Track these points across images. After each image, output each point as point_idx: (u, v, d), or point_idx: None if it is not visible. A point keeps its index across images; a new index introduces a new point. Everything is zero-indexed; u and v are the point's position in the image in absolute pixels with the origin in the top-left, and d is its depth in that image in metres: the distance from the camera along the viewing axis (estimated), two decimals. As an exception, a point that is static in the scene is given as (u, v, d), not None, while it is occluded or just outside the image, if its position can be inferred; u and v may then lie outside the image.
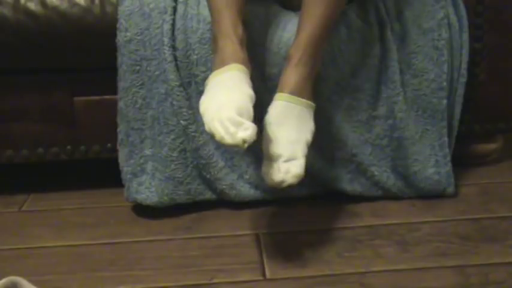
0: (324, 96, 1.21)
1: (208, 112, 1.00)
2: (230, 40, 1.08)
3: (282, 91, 1.08)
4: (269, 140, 1.03)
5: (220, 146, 1.24)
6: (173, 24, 1.22)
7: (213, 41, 1.13)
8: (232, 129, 0.95)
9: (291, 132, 1.04)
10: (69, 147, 1.32)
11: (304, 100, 1.07)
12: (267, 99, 1.09)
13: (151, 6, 1.22)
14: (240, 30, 1.10)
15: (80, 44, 1.25)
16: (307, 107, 1.08)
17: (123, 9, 1.23)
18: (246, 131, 0.96)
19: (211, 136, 0.98)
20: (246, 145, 0.96)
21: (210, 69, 1.20)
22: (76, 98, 1.30)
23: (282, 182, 1.01)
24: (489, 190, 1.30)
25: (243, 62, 1.07)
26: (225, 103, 0.99)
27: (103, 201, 1.32)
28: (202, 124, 1.21)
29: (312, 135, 1.07)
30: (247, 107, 1.00)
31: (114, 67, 1.24)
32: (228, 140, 0.95)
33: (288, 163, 1.01)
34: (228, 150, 1.24)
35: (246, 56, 1.09)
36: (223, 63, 1.06)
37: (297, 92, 1.07)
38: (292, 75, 1.08)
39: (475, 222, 1.17)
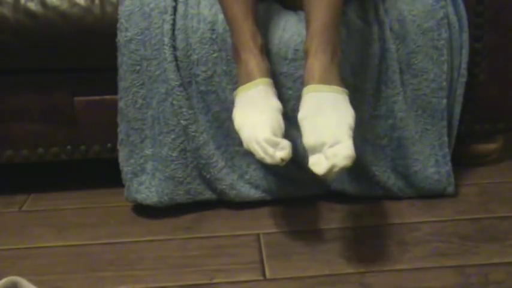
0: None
1: (244, 130, 1.05)
2: (252, 53, 1.11)
3: (308, 83, 1.05)
4: (309, 133, 1.01)
5: (220, 146, 1.24)
6: (173, 24, 1.22)
7: (235, 52, 1.14)
8: (270, 150, 1.01)
9: (329, 118, 1.01)
10: (69, 147, 1.32)
11: (334, 86, 1.05)
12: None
13: (151, 6, 1.22)
14: (259, 39, 1.13)
15: (80, 44, 1.25)
16: (340, 93, 1.05)
17: (124, 9, 1.23)
18: (283, 151, 1.01)
19: (252, 155, 1.04)
20: (284, 163, 1.01)
21: (210, 69, 1.21)
22: (76, 98, 1.30)
23: (333, 167, 0.95)
24: (489, 190, 1.30)
25: (267, 74, 1.11)
26: (259, 123, 1.05)
27: (103, 201, 1.32)
28: (203, 124, 1.23)
29: (353, 120, 1.03)
30: (279, 123, 1.06)
31: (114, 67, 1.24)
32: (268, 160, 1.01)
33: (334, 147, 0.97)
34: (228, 150, 1.25)
35: (268, 64, 1.14)
36: (249, 78, 1.10)
37: (325, 80, 1.05)
38: (314, 65, 1.06)
39: (475, 222, 1.17)
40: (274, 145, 1.01)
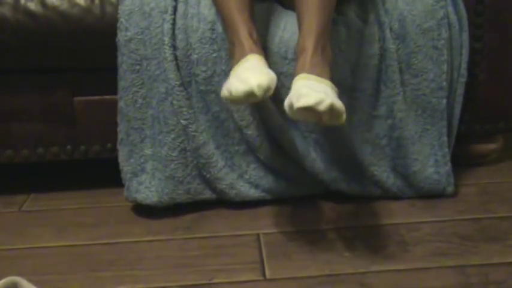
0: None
1: (226, 82, 1.01)
2: (247, 41, 1.09)
3: (299, 73, 1.02)
4: (296, 90, 0.96)
5: (220, 145, 1.24)
6: (173, 24, 1.22)
7: (230, 48, 1.14)
8: (246, 76, 0.95)
9: (314, 89, 0.97)
10: (69, 147, 1.32)
11: (325, 80, 1.02)
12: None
13: (151, 5, 1.22)
14: (255, 35, 1.12)
15: (80, 44, 1.25)
16: (331, 87, 1.01)
17: (124, 9, 1.23)
18: (261, 77, 0.95)
19: (228, 96, 0.98)
20: (261, 91, 0.94)
21: (210, 69, 1.21)
22: (76, 98, 1.30)
23: (322, 100, 0.92)
24: (489, 190, 1.30)
25: (260, 54, 1.08)
26: (244, 73, 1.01)
27: (103, 201, 1.32)
28: (203, 123, 1.23)
29: (344, 111, 0.98)
30: (266, 72, 1.01)
31: (114, 67, 1.24)
32: (242, 86, 0.95)
33: (323, 92, 0.94)
34: (228, 150, 1.24)
35: (263, 52, 1.11)
36: (241, 58, 1.07)
37: (316, 72, 1.02)
38: (306, 60, 1.03)
39: (475, 222, 1.17)
40: (253, 74, 0.97)
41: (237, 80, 0.99)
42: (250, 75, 0.98)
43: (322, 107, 0.92)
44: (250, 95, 0.97)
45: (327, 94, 0.95)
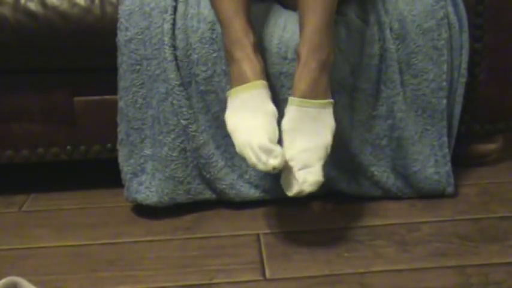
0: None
1: (237, 135, 1.07)
2: (245, 52, 1.10)
3: (294, 95, 1.08)
4: (287, 148, 1.06)
5: (220, 145, 1.24)
6: (173, 24, 1.21)
7: (227, 51, 1.13)
8: (263, 157, 1.02)
9: (306, 138, 1.06)
10: (69, 147, 1.32)
11: (317, 101, 1.07)
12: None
13: (151, 5, 1.22)
14: (251, 36, 1.12)
15: (80, 44, 1.25)
16: (323, 107, 1.08)
17: (124, 9, 1.23)
18: (276, 159, 1.02)
19: (241, 156, 1.06)
20: (276, 171, 1.03)
21: (210, 69, 1.21)
22: (76, 98, 1.30)
23: (301, 192, 1.03)
24: (489, 190, 1.30)
25: (261, 76, 1.11)
26: (253, 128, 1.06)
27: (103, 201, 1.32)
28: (203, 124, 1.23)
29: (332, 133, 1.08)
30: (273, 129, 1.07)
31: (114, 67, 1.24)
32: (260, 167, 1.02)
33: (304, 171, 1.04)
34: (228, 150, 1.25)
35: (262, 64, 1.13)
36: (242, 80, 1.10)
37: (309, 94, 1.07)
38: (302, 76, 1.07)
39: (475, 222, 1.17)
40: (268, 152, 1.02)
41: (253, 154, 1.03)
42: (267, 155, 1.02)
43: (302, 195, 1.04)
44: (266, 172, 1.06)
45: (309, 167, 1.05)
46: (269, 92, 1.12)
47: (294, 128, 1.07)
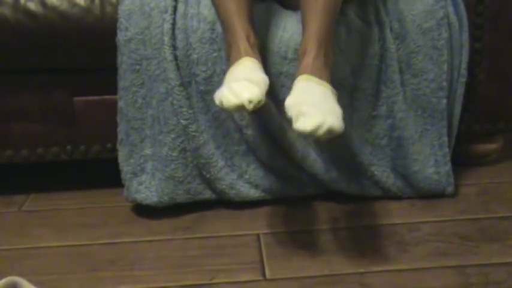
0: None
1: (219, 89, 1.01)
2: (243, 44, 1.09)
3: (301, 74, 1.03)
4: (296, 105, 0.96)
5: (220, 145, 1.24)
6: (173, 24, 1.22)
7: (227, 50, 1.13)
8: (238, 89, 0.95)
9: (318, 100, 0.97)
10: (69, 147, 1.32)
11: (325, 83, 1.03)
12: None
13: (151, 5, 1.22)
14: (252, 37, 1.11)
15: (80, 44, 1.25)
16: (331, 91, 1.03)
17: (124, 9, 1.23)
18: (253, 90, 0.96)
19: (220, 105, 0.98)
20: (251, 106, 0.95)
21: (210, 69, 1.21)
22: (76, 98, 1.30)
23: (321, 125, 0.92)
24: (489, 190, 1.30)
25: (255, 57, 1.08)
26: (236, 77, 1.01)
27: (103, 201, 1.32)
28: (203, 124, 1.23)
29: (341, 114, 0.98)
30: (259, 81, 1.00)
31: (114, 67, 1.24)
32: (234, 100, 0.95)
33: (323, 114, 0.93)
34: (228, 150, 1.25)
35: (259, 55, 1.10)
36: (236, 60, 1.07)
37: (317, 74, 1.03)
38: (308, 62, 1.04)
39: (475, 222, 1.17)
40: (244, 87, 0.96)
41: (229, 92, 0.98)
42: (242, 88, 0.97)
43: (321, 131, 0.92)
44: (241, 108, 0.97)
45: (327, 111, 0.95)
46: (261, 66, 1.08)
47: (301, 100, 0.97)
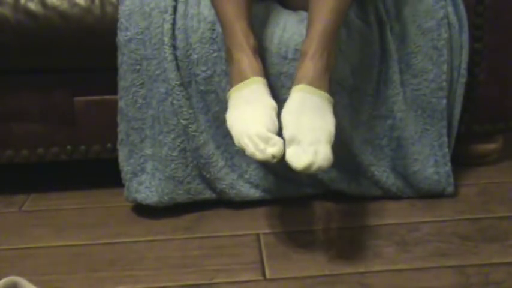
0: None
1: (235, 128, 1.04)
2: (245, 53, 1.10)
3: (298, 83, 1.05)
4: (291, 126, 1.01)
5: (220, 145, 1.24)
6: (174, 24, 1.22)
7: (227, 53, 1.14)
8: (261, 145, 0.99)
9: (313, 119, 1.02)
10: (69, 147, 1.32)
11: (322, 92, 1.05)
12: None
13: (151, 5, 1.22)
14: (252, 40, 1.12)
15: (80, 44, 1.25)
16: (326, 100, 1.05)
17: (124, 9, 1.23)
18: (274, 147, 0.98)
19: (242, 151, 1.02)
20: (275, 160, 0.98)
21: (210, 69, 1.21)
22: (76, 98, 1.30)
23: (312, 164, 0.96)
24: (489, 190, 1.30)
25: (260, 74, 1.10)
26: (251, 118, 1.03)
27: (103, 201, 1.32)
28: (203, 124, 1.23)
29: (334, 128, 1.03)
30: (272, 120, 1.04)
31: (114, 67, 1.24)
32: (259, 155, 0.98)
33: (314, 146, 0.98)
34: (228, 150, 1.25)
35: (261, 65, 1.12)
36: (241, 78, 1.09)
37: (315, 84, 1.05)
38: (308, 67, 1.06)
39: (475, 222, 1.17)
40: (266, 141, 0.99)
41: (251, 144, 1.00)
42: (264, 142, 0.99)
43: (311, 170, 0.97)
44: (265, 162, 1.02)
45: (319, 141, 0.99)
46: (268, 89, 1.11)
47: (300, 112, 1.02)
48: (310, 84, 1.05)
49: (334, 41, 1.09)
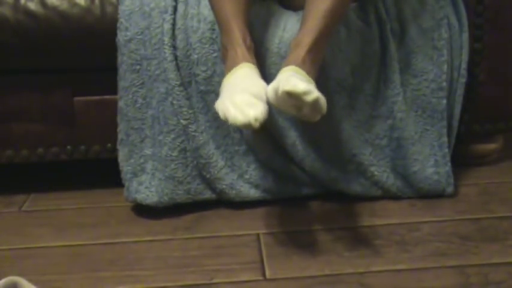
0: (324, 96, 1.21)
1: (221, 100, 1.01)
2: (241, 51, 1.09)
3: (287, 65, 1.03)
4: (285, 81, 0.96)
5: (220, 145, 1.24)
6: (173, 24, 1.22)
7: (222, 51, 1.13)
8: (244, 108, 0.95)
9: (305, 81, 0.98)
10: (69, 147, 1.32)
11: (310, 78, 1.03)
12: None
13: (151, 5, 1.23)
14: (248, 39, 1.11)
15: (80, 44, 1.25)
16: (312, 85, 1.01)
17: (124, 9, 1.23)
18: (258, 109, 0.95)
19: (224, 120, 0.98)
20: (257, 124, 0.95)
21: (210, 69, 1.21)
22: (76, 98, 1.30)
23: (310, 92, 0.93)
24: (489, 190, 1.30)
25: (252, 62, 1.08)
26: (237, 88, 1.00)
27: (103, 201, 1.32)
28: (203, 124, 1.23)
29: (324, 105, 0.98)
30: (259, 92, 1.00)
31: (114, 67, 1.24)
32: (240, 118, 0.95)
33: (310, 86, 0.95)
34: (228, 150, 1.25)
35: (255, 60, 1.11)
36: (234, 66, 1.07)
37: (306, 69, 1.03)
38: (301, 53, 1.04)
39: (475, 222, 1.17)
40: (250, 105, 0.96)
41: (233, 108, 0.97)
42: (247, 105, 0.97)
43: (309, 97, 0.93)
44: (247, 126, 0.97)
45: (314, 88, 0.96)
46: (258, 71, 1.08)
47: (289, 79, 0.96)
48: (301, 67, 1.02)
49: (327, 41, 1.09)
